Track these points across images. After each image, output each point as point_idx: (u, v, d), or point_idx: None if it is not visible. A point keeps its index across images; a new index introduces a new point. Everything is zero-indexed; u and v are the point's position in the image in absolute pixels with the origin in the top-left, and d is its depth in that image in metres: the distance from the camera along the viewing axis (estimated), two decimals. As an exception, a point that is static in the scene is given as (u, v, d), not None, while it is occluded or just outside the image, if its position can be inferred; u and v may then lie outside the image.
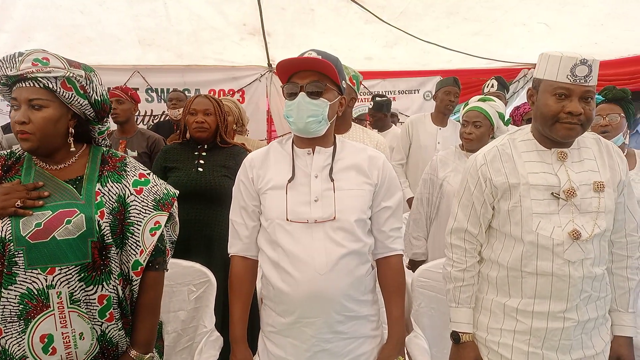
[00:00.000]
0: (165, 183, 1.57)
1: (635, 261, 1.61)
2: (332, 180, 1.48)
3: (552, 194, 1.48)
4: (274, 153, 1.57)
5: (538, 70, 1.53)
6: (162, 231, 1.49)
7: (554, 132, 1.47)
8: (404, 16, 4.04)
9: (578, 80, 1.42)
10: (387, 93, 6.04)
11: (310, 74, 1.45)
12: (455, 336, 1.62)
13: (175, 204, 1.56)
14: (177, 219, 1.60)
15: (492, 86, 3.56)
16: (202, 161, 2.34)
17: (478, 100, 2.60)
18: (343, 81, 1.55)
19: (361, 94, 6.01)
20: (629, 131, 2.95)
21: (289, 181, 1.49)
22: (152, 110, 5.40)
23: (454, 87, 3.57)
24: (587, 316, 1.49)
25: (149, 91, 5.36)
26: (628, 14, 3.44)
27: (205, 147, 2.40)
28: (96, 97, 1.41)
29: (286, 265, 1.45)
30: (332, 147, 1.55)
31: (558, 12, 3.58)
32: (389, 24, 4.26)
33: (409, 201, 3.54)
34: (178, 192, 1.59)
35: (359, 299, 1.51)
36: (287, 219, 1.46)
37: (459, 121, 3.64)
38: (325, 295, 1.44)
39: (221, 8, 4.16)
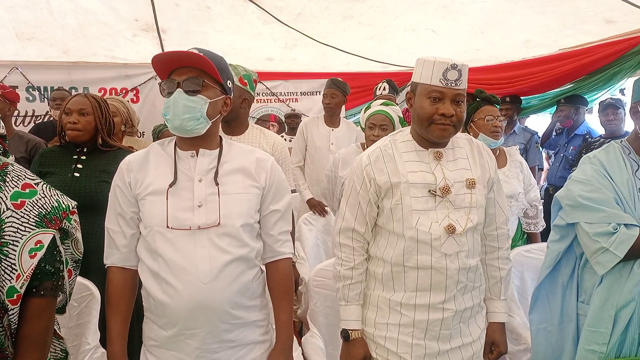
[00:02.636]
0: (61, 194, 1.37)
1: (505, 252, 1.74)
2: (217, 184, 1.44)
3: (429, 191, 1.56)
4: (155, 156, 1.49)
5: (415, 74, 1.61)
6: (50, 251, 1.27)
7: (429, 132, 1.55)
8: (301, 18, 4.06)
9: (449, 84, 1.50)
10: (289, 94, 6.08)
11: (188, 71, 1.40)
12: (345, 334, 1.65)
13: (75, 217, 1.39)
14: (79, 234, 1.43)
15: (384, 89, 3.70)
16: (80, 165, 2.17)
17: (381, 105, 2.70)
18: (229, 81, 1.52)
19: (264, 94, 5.99)
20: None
21: (170, 186, 1.42)
22: (33, 110, 4.93)
23: (331, 89, 3.67)
24: (463, 306, 1.59)
25: (30, 89, 4.90)
26: (503, 22, 3.73)
27: (85, 150, 2.22)
28: None
29: (167, 275, 1.38)
30: (218, 149, 1.50)
31: (443, 19, 3.79)
32: (287, 25, 4.27)
33: (309, 202, 3.59)
34: (75, 203, 1.42)
35: (246, 305, 1.48)
36: (168, 226, 1.39)
37: (356, 123, 3.76)
38: (210, 305, 1.39)
39: (110, 2, 3.91)
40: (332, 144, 3.62)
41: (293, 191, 3.90)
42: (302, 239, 3.43)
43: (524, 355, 2.24)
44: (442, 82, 1.50)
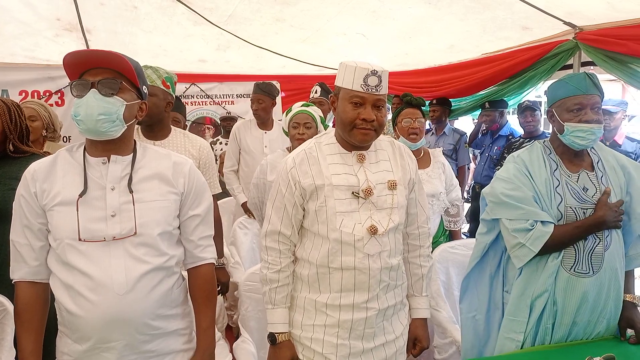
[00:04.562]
0: None
1: (427, 250, 1.81)
2: (132, 191, 1.39)
3: (352, 193, 1.59)
4: (62, 163, 1.41)
5: (337, 78, 1.64)
6: None
7: (352, 136, 1.59)
8: (232, 20, 4.02)
9: (370, 90, 1.54)
10: (224, 96, 6.01)
11: (104, 71, 1.35)
12: (271, 337, 1.65)
13: None
14: None
15: (316, 92, 3.74)
16: (-13, 173, 2.03)
17: (302, 106, 2.74)
18: (144, 86, 1.48)
19: (199, 96, 5.88)
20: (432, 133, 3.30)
21: (80, 195, 1.35)
22: (-56, 114, 4.59)
23: (256, 95, 3.67)
24: (386, 304, 1.63)
25: (-60, 92, 4.57)
26: (429, 28, 3.85)
27: None
28: None
29: (80, 287, 1.32)
30: (132, 154, 1.45)
31: (372, 24, 3.87)
32: (218, 27, 4.21)
33: (244, 206, 3.56)
34: None
35: (166, 314, 1.45)
36: (80, 239, 1.33)
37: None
38: (126, 317, 1.34)
39: (27, 0, 3.71)
40: (265, 146, 3.60)
41: (225, 194, 3.86)
42: (237, 243, 3.39)
43: (450, 347, 2.33)
44: (363, 87, 1.54)
